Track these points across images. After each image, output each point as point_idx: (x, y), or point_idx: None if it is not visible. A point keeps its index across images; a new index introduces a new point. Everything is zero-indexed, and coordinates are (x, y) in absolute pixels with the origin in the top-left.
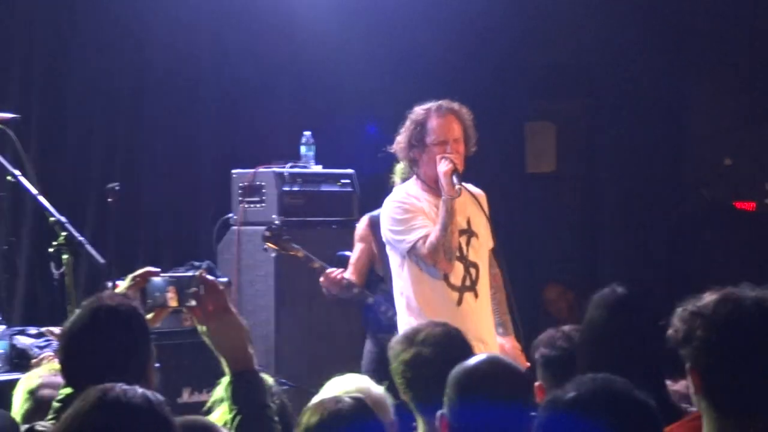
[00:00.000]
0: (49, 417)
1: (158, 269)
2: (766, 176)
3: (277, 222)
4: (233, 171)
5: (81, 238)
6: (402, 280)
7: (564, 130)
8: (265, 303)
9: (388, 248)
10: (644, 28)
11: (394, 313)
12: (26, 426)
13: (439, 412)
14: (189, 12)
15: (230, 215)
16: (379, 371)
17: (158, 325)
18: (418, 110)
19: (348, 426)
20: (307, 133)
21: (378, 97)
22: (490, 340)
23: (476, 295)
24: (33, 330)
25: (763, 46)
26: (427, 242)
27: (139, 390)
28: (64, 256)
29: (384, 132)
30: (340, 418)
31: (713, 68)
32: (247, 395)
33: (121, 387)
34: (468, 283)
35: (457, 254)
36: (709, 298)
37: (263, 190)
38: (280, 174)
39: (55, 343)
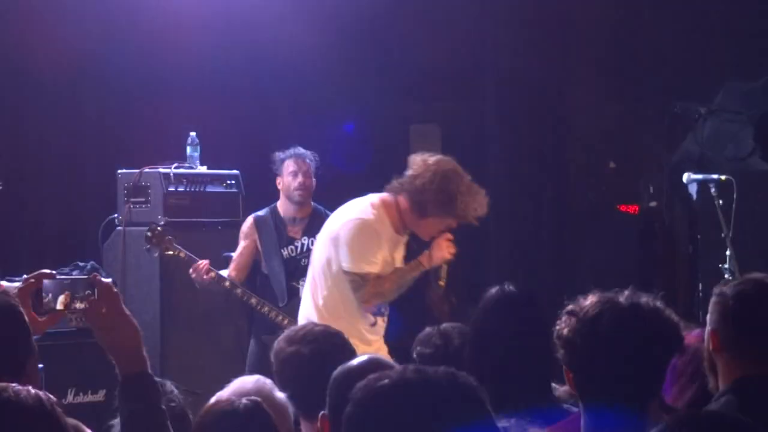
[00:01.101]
0: None
1: (53, 271)
2: (649, 180)
3: (161, 222)
4: (119, 171)
5: None
6: (332, 283)
7: (449, 132)
8: (150, 304)
9: (325, 249)
10: (528, 30)
11: (278, 314)
12: None
13: (321, 413)
14: (75, 9)
15: (115, 215)
16: (262, 372)
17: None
18: (465, 181)
19: (240, 428)
20: (193, 133)
21: (264, 97)
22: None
23: (386, 319)
24: None
25: (644, 52)
26: (377, 291)
27: (33, 391)
28: None
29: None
30: (233, 420)
31: (597, 72)
32: (138, 396)
33: (13, 388)
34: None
35: None
36: (588, 300)
37: (149, 191)
38: (166, 174)
39: None
